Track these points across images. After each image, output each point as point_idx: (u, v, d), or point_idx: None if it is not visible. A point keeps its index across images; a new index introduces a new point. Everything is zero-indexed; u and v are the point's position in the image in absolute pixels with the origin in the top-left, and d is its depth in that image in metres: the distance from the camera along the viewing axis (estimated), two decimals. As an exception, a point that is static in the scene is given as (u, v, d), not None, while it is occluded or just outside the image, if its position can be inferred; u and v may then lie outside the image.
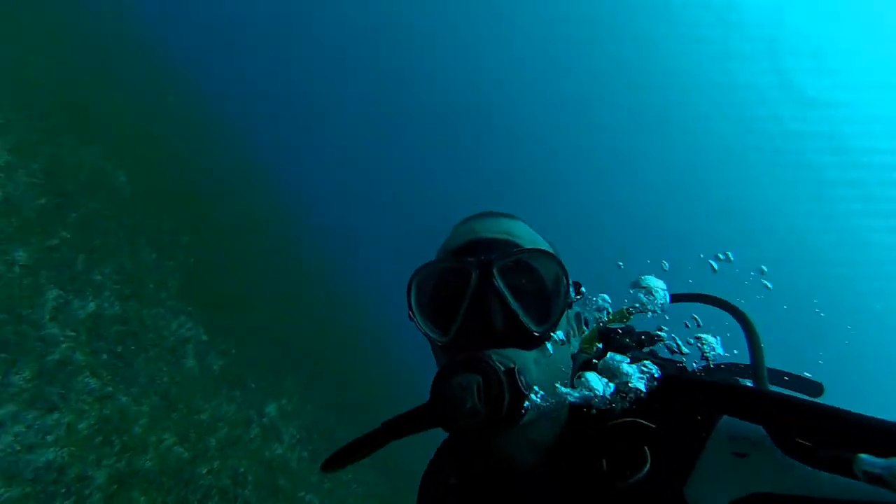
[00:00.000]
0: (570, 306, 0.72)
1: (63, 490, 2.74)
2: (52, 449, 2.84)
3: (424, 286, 0.73)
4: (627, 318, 0.85)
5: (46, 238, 3.72)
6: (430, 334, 0.70)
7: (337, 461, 0.74)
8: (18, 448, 2.70)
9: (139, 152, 6.70)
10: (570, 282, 0.70)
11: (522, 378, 0.60)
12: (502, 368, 0.60)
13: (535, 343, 0.66)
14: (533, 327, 0.65)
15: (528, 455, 0.70)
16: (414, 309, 0.71)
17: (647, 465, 0.63)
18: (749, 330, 0.80)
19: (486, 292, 0.65)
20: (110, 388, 3.43)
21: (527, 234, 0.75)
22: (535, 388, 0.61)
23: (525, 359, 0.64)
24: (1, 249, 3.19)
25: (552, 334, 0.67)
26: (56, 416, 2.96)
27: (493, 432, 0.59)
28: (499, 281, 0.66)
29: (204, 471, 3.88)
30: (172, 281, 4.96)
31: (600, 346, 0.81)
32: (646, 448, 0.64)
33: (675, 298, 0.89)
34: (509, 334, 0.65)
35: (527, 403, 0.59)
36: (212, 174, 9.84)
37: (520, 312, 0.65)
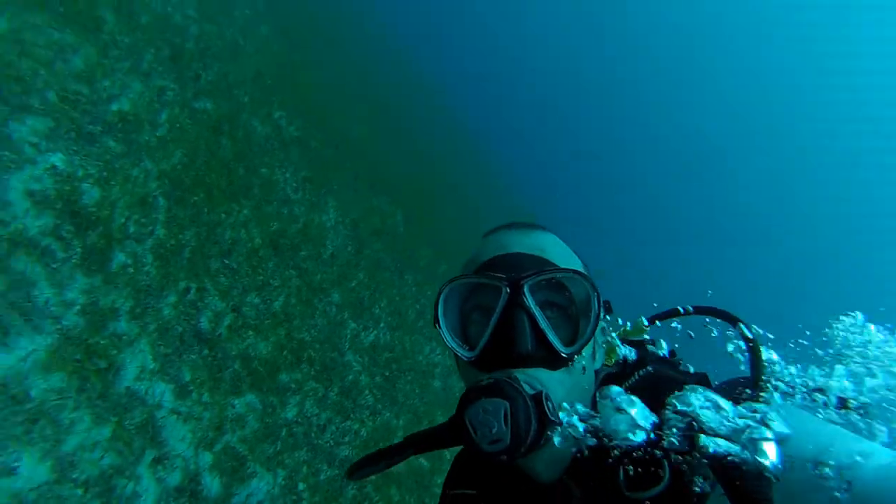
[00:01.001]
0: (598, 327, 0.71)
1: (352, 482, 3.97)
2: (345, 447, 4.12)
3: (453, 300, 0.75)
4: (644, 331, 0.85)
5: (349, 280, 5.30)
6: (457, 350, 0.71)
7: (360, 470, 0.77)
8: (332, 443, 4.05)
9: (412, 191, 8.49)
10: (601, 301, 0.69)
11: (550, 404, 0.61)
12: (530, 393, 0.61)
13: (563, 364, 0.66)
14: (562, 349, 0.66)
15: (549, 469, 0.72)
16: (441, 322, 0.73)
17: (666, 480, 0.63)
18: (749, 340, 0.77)
19: (516, 311, 0.65)
20: (380, 406, 4.66)
21: (558, 250, 0.75)
22: (561, 413, 0.62)
23: (552, 380, 0.66)
24: (324, 294, 4.77)
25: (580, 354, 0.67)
26: (348, 423, 4.27)
27: (518, 457, 0.60)
28: (529, 300, 0.66)
29: (439, 481, 4.76)
30: (429, 310, 6.17)
31: (622, 357, 0.80)
32: (665, 462, 0.63)
33: (661, 317, 0.90)
34: (537, 355, 0.65)
35: (551, 431, 0.60)
36: (468, 205, 11.47)
37: (549, 333, 0.66)
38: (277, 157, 5.58)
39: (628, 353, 0.83)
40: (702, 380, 0.76)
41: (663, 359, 0.84)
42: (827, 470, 0.57)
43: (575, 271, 0.69)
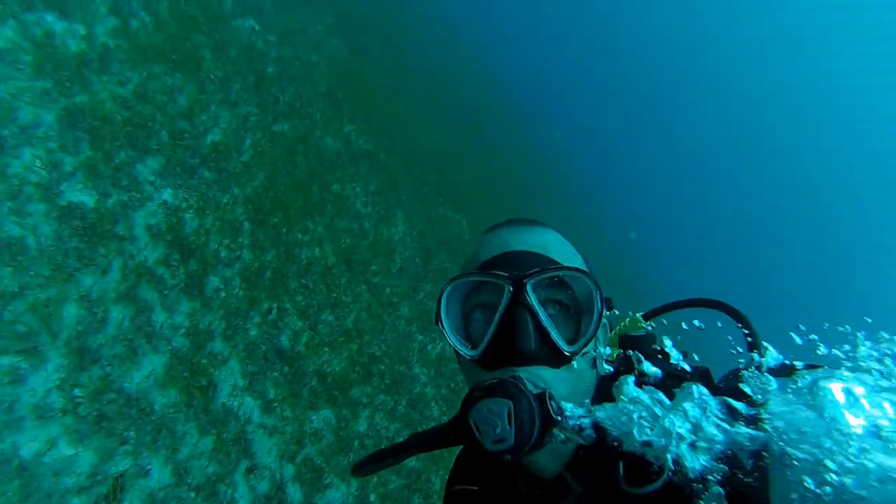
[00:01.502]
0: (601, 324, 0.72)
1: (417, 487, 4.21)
2: (413, 458, 4.36)
3: (455, 298, 0.76)
4: (642, 327, 0.85)
5: (417, 293, 5.52)
6: (460, 348, 0.72)
7: (365, 467, 0.79)
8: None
9: (477, 196, 8.55)
10: (604, 299, 0.70)
11: (553, 403, 0.62)
12: (534, 391, 0.62)
13: (566, 361, 0.68)
14: (565, 347, 0.67)
15: (550, 463, 0.74)
16: (443, 321, 0.74)
17: (665, 475, 0.64)
18: (747, 325, 0.78)
19: (519, 309, 0.66)
20: (445, 417, 4.84)
21: (560, 247, 0.76)
22: (566, 410, 0.63)
23: (555, 378, 0.67)
24: (393, 309, 5.02)
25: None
26: (415, 435, 4.50)
27: (522, 456, 0.61)
28: (532, 298, 0.67)
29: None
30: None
31: (620, 352, 0.80)
32: (668, 457, 0.64)
33: (656, 312, 0.90)
34: (540, 353, 0.66)
35: (555, 430, 0.62)
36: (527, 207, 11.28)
37: (552, 332, 0.67)
38: (348, 172, 5.92)
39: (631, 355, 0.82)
40: (702, 375, 0.76)
41: (657, 356, 0.84)
42: (828, 467, 0.54)
43: (577, 269, 0.70)
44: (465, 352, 0.71)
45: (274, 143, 5.08)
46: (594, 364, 0.75)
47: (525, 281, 0.67)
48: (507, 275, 0.68)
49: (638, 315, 0.86)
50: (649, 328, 0.87)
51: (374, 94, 8.09)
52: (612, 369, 0.77)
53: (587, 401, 0.69)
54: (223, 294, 3.55)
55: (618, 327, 0.87)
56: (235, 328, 3.47)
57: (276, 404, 3.36)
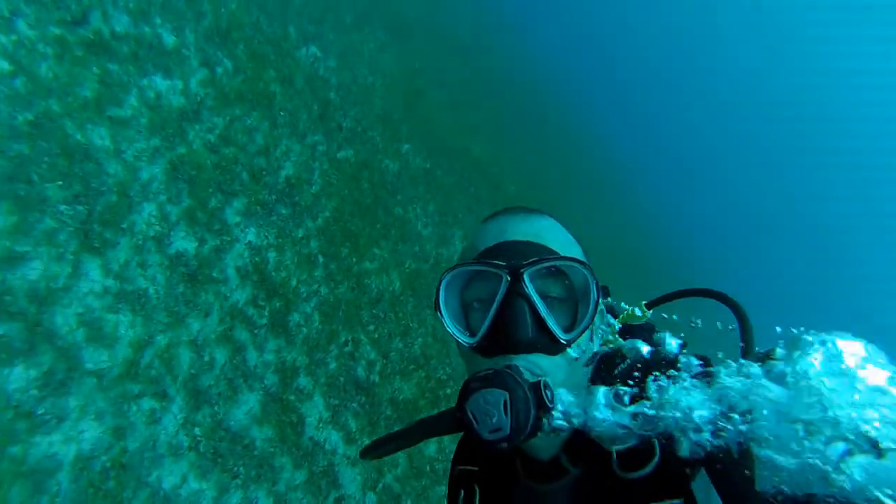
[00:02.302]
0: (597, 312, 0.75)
1: None
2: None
3: (454, 287, 0.80)
4: (645, 315, 0.87)
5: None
6: (458, 336, 0.76)
7: (373, 451, 0.85)
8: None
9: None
10: (600, 288, 0.73)
11: (548, 392, 0.65)
12: (530, 380, 0.65)
13: (562, 349, 0.71)
14: (561, 335, 0.71)
15: (546, 447, 0.79)
16: (442, 309, 0.78)
17: (656, 459, 0.68)
18: (741, 318, 0.79)
19: (516, 299, 0.70)
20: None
21: (558, 237, 0.79)
22: (560, 397, 0.67)
23: (551, 365, 0.71)
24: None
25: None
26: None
27: (517, 444, 0.65)
28: (529, 287, 0.70)
29: None
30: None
31: (620, 342, 0.84)
32: (655, 441, 0.68)
33: (659, 301, 0.92)
34: (537, 341, 0.70)
35: (553, 418, 0.66)
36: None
37: (549, 320, 0.71)
38: (408, 194, 6.19)
39: (635, 344, 0.85)
40: (701, 364, 0.77)
41: (654, 343, 0.86)
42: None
43: (574, 259, 0.73)
44: (464, 339, 0.75)
45: (340, 170, 5.42)
46: (590, 352, 0.79)
47: (522, 271, 0.70)
48: (504, 264, 0.72)
49: (642, 304, 0.88)
50: (650, 316, 0.89)
51: (427, 110, 8.31)
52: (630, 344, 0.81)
53: (580, 387, 0.74)
54: (304, 330, 3.90)
55: (621, 316, 0.89)
56: (317, 362, 3.82)
57: (356, 435, 3.68)
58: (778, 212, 30.67)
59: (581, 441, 0.74)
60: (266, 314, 3.77)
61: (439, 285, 0.78)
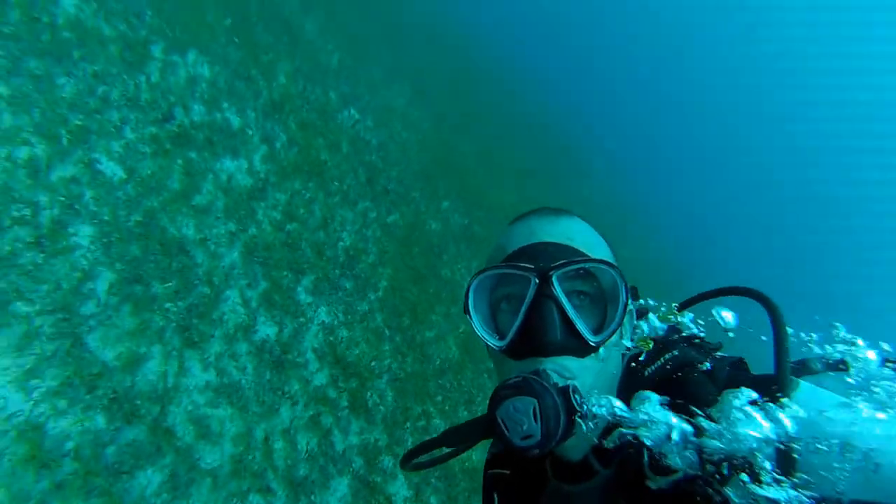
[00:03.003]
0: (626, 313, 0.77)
1: None
2: None
3: (483, 290, 0.82)
4: (677, 316, 0.90)
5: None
6: (487, 339, 0.78)
7: (409, 461, 0.90)
8: None
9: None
10: (629, 289, 0.75)
11: (577, 396, 0.67)
12: (559, 385, 0.68)
13: (591, 351, 0.73)
14: (590, 337, 0.73)
15: (576, 448, 0.81)
16: (471, 312, 0.80)
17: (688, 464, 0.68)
18: (774, 314, 0.76)
19: (545, 301, 0.72)
20: None
21: (586, 238, 0.81)
22: (591, 401, 0.69)
23: (580, 368, 0.73)
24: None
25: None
26: None
27: (549, 449, 0.67)
28: (558, 290, 0.72)
29: None
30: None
31: (651, 345, 0.85)
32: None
33: (690, 302, 0.93)
34: (566, 344, 0.72)
35: (580, 421, 0.67)
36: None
37: (578, 323, 0.73)
38: (451, 253, 6.49)
39: (658, 328, 0.89)
40: (736, 364, 0.80)
41: (691, 340, 0.88)
42: (855, 453, 0.60)
43: (602, 261, 0.74)
44: (493, 343, 0.78)
45: (391, 236, 5.72)
46: (619, 353, 0.81)
47: (551, 273, 0.73)
48: (532, 267, 0.74)
49: (672, 305, 0.90)
50: (679, 318, 0.91)
51: (459, 160, 8.73)
52: (631, 344, 0.84)
53: (611, 388, 0.78)
54: (381, 408, 4.11)
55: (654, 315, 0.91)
56: (397, 440, 4.01)
57: (439, 515, 3.84)
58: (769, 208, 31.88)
59: (608, 442, 0.77)
60: (346, 395, 3.98)
61: (468, 289, 0.80)
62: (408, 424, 4.19)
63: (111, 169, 3.54)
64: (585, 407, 0.68)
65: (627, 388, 0.79)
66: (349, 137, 6.41)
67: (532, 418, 0.65)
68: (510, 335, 0.75)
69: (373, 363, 4.35)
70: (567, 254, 0.75)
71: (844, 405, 0.67)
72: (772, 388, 0.67)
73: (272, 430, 3.41)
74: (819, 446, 0.62)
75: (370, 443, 3.87)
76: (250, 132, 4.94)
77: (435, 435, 0.87)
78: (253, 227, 4.33)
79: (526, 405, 0.65)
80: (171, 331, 3.29)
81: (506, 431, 0.67)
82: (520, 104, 14.77)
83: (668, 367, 0.80)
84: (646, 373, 0.81)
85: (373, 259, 5.28)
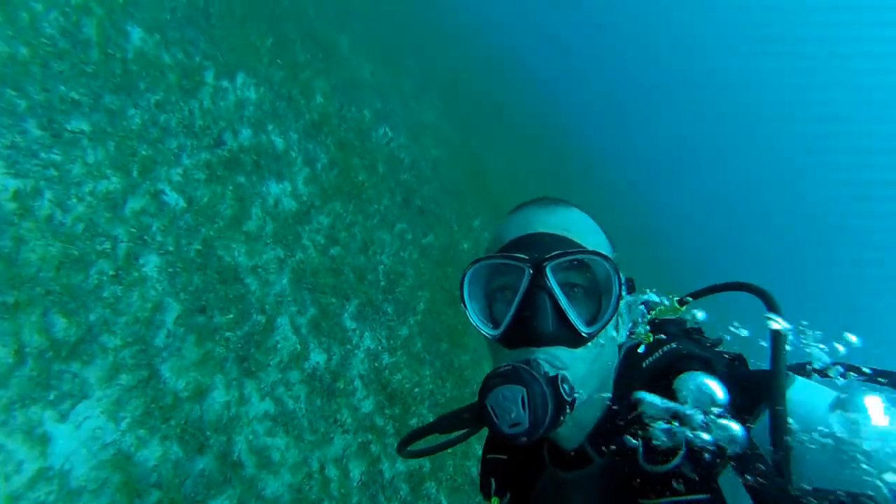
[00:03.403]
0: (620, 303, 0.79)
1: None
2: None
3: (479, 279, 0.85)
4: (678, 311, 0.92)
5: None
6: (482, 328, 0.82)
7: (405, 447, 0.95)
8: None
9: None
10: (623, 281, 0.78)
11: (566, 386, 0.70)
12: (549, 375, 0.71)
13: (584, 342, 0.76)
14: (583, 329, 0.76)
15: (572, 437, 0.86)
16: (466, 302, 0.83)
17: (683, 452, 0.72)
18: (772, 308, 0.78)
19: (538, 292, 0.75)
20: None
21: (583, 228, 0.83)
22: (578, 390, 0.73)
23: (573, 358, 0.75)
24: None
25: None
26: None
27: (537, 438, 0.70)
28: (551, 281, 0.75)
29: None
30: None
31: (652, 338, 0.88)
32: (683, 439, 0.72)
33: (694, 296, 0.95)
34: (559, 335, 0.75)
35: (569, 410, 0.70)
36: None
37: (571, 314, 0.75)
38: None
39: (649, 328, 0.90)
40: (735, 359, 0.82)
41: (690, 334, 0.91)
42: (849, 445, 0.63)
43: (597, 253, 0.77)
44: (487, 331, 0.81)
45: (427, 257, 5.88)
46: (615, 343, 0.84)
47: (544, 264, 0.75)
48: (527, 257, 0.76)
49: (674, 298, 0.92)
50: (683, 312, 0.94)
51: (489, 176, 8.87)
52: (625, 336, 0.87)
53: (605, 379, 0.81)
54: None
55: (655, 311, 0.93)
56: (439, 465, 4.16)
57: (482, 546, 3.98)
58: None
59: (607, 432, 0.82)
60: (391, 422, 4.14)
61: (463, 279, 0.83)
62: (449, 450, 4.33)
63: (173, 199, 3.73)
64: (573, 396, 0.71)
65: (626, 378, 0.84)
66: (384, 156, 6.59)
67: (520, 406, 0.67)
68: (503, 325, 0.78)
69: (415, 389, 4.50)
70: (562, 245, 0.78)
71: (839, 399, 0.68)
72: (767, 383, 0.70)
73: (326, 458, 3.57)
74: (814, 438, 0.64)
75: (415, 470, 4.02)
76: (293, 154, 5.12)
77: (448, 438, 0.90)
78: (299, 252, 4.51)
79: (514, 393, 0.68)
80: (231, 360, 3.46)
81: (495, 419, 0.69)
82: (543, 118, 14.91)
83: (667, 358, 0.82)
84: (644, 364, 0.84)
85: (411, 282, 5.44)
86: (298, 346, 3.91)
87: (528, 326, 0.75)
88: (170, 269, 3.43)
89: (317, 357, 4.02)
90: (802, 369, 0.85)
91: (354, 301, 4.65)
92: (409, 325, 4.98)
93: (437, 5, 12.51)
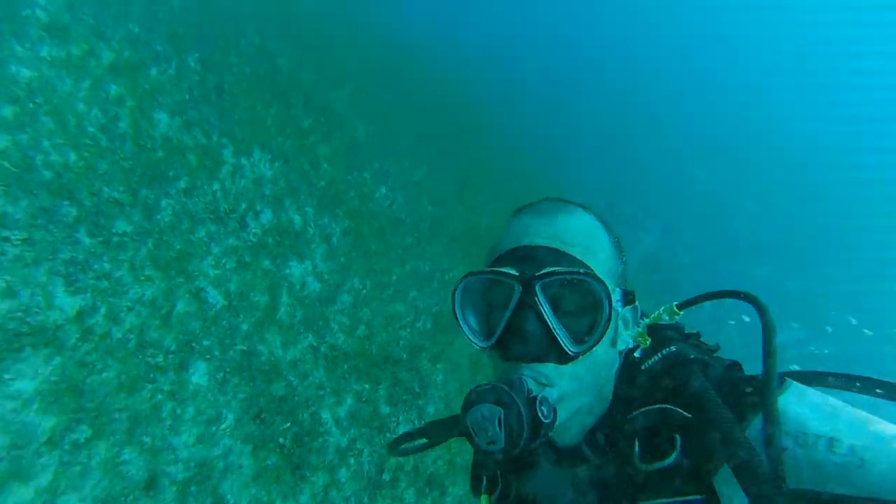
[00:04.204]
0: (613, 320, 0.82)
1: None
2: None
3: (470, 292, 0.88)
4: (676, 316, 0.95)
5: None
6: (472, 339, 0.85)
7: (395, 448, 0.98)
8: None
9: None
10: (616, 299, 0.81)
11: (544, 408, 0.73)
12: (531, 394, 0.74)
13: (572, 359, 0.78)
14: (570, 348, 0.77)
15: (568, 436, 0.89)
16: (458, 315, 0.87)
17: (676, 453, 0.76)
18: (763, 315, 0.82)
19: (526, 309, 0.77)
20: None
21: (583, 237, 0.84)
22: (565, 406, 0.78)
23: (560, 375, 0.78)
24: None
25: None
26: None
27: (514, 456, 0.73)
28: (540, 298, 0.77)
29: None
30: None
31: (649, 341, 0.91)
32: (676, 436, 0.77)
33: (689, 303, 0.99)
34: (546, 353, 0.77)
35: (546, 431, 0.73)
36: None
37: (559, 332, 0.77)
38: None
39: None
40: (729, 368, 0.85)
41: (689, 339, 0.95)
42: (841, 448, 0.66)
43: (588, 274, 0.77)
44: (478, 343, 0.85)
45: (439, 325, 6.03)
46: (611, 355, 0.87)
47: (534, 282, 0.77)
48: (517, 274, 0.79)
49: (672, 305, 0.95)
50: (680, 318, 0.96)
51: (486, 228, 9.20)
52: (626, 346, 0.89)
53: (599, 393, 0.85)
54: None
55: (652, 316, 0.95)
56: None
57: None
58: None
59: (603, 431, 0.86)
60: (433, 511, 4.19)
61: (454, 293, 0.87)
62: None
63: (213, 296, 3.72)
64: (551, 418, 0.74)
65: (626, 380, 0.88)
66: (389, 220, 6.76)
67: (497, 426, 0.70)
68: (493, 338, 0.82)
69: (449, 471, 4.58)
70: (556, 260, 0.79)
71: (833, 404, 0.73)
72: (760, 386, 0.74)
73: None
74: (807, 440, 0.68)
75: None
76: (311, 230, 5.21)
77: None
78: (328, 336, 4.55)
79: (492, 412, 0.71)
80: (285, 467, 3.44)
81: (474, 435, 0.72)
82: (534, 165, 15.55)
83: (666, 362, 0.86)
84: (643, 366, 0.88)
85: (429, 355, 5.56)
86: (343, 441, 3.93)
87: (515, 344, 0.78)
88: (218, 375, 3.41)
89: (360, 445, 4.04)
90: (818, 378, 0.89)
91: (385, 383, 4.72)
92: (433, 400, 5.08)
93: (419, 57, 13.03)
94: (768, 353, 0.77)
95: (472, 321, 0.88)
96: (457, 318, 0.87)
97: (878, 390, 0.83)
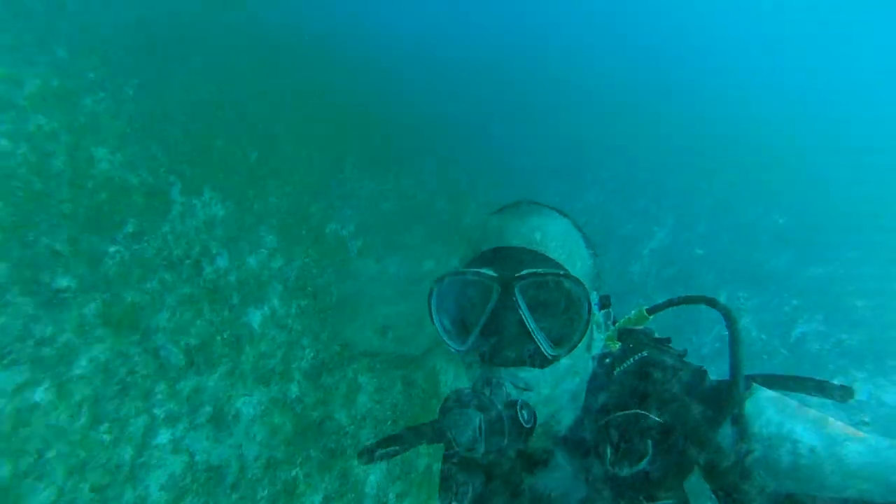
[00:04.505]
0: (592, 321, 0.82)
1: None
2: None
3: (446, 294, 0.86)
4: (646, 320, 0.98)
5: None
6: (449, 343, 0.83)
7: (366, 455, 0.92)
8: None
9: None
10: (593, 303, 0.82)
11: (524, 412, 0.73)
12: (510, 398, 0.74)
13: (550, 363, 0.77)
14: (548, 351, 0.76)
15: (541, 441, 0.88)
16: (434, 315, 0.84)
17: (648, 457, 0.77)
18: (732, 326, 0.84)
19: (505, 311, 0.76)
20: None
21: (561, 241, 0.84)
22: (543, 410, 0.78)
23: (538, 379, 0.77)
24: None
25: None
26: None
27: (493, 459, 0.75)
28: (518, 300, 0.76)
29: None
30: None
31: (619, 345, 0.93)
32: (649, 441, 0.78)
33: (659, 308, 1.02)
34: (523, 356, 0.76)
35: (526, 436, 0.73)
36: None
37: (538, 336, 0.76)
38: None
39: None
40: (697, 373, 0.85)
41: (660, 344, 0.95)
42: (803, 449, 0.69)
43: (566, 275, 0.77)
44: (454, 347, 0.83)
45: (411, 401, 5.82)
46: (586, 359, 0.87)
47: (513, 284, 0.76)
48: (496, 275, 0.77)
49: (642, 309, 0.96)
50: (650, 321, 0.99)
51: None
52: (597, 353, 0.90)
53: (575, 395, 0.85)
54: None
55: (622, 320, 0.96)
56: None
57: None
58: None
59: (576, 438, 0.86)
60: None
61: (431, 294, 0.84)
62: None
63: (173, 354, 3.32)
64: (531, 423, 0.74)
65: (598, 385, 0.88)
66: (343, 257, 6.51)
67: (476, 431, 0.70)
68: (469, 342, 0.80)
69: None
70: (534, 262, 0.79)
71: (793, 406, 0.76)
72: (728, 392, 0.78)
73: None
74: (771, 442, 0.71)
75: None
76: (266, 275, 4.88)
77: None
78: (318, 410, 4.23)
79: (471, 418, 0.70)
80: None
81: (453, 441, 0.71)
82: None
83: (638, 366, 0.88)
84: (615, 371, 0.89)
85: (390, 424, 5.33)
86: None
87: (493, 347, 0.76)
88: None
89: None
90: (799, 383, 0.92)
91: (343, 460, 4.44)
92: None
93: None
94: (735, 356, 0.80)
95: (448, 323, 0.85)
96: (433, 321, 0.84)
97: (815, 392, 0.89)
